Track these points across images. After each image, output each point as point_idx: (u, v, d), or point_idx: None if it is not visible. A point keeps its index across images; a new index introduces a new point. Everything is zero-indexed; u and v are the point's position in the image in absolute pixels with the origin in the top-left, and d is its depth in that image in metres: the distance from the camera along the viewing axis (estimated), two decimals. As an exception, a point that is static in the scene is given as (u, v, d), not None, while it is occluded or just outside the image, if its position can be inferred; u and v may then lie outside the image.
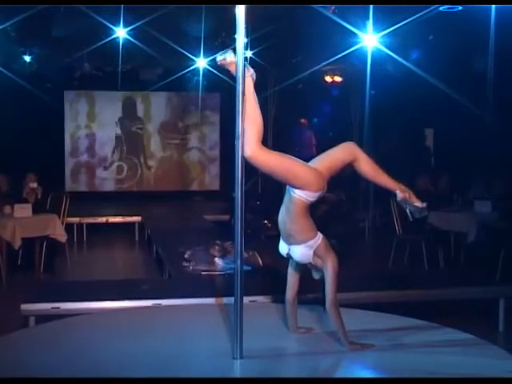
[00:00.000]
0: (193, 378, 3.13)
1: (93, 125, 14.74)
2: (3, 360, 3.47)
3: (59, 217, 8.65)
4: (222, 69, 3.53)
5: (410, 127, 12.82)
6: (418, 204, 3.61)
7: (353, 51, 9.09)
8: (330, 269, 3.53)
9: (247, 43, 3.40)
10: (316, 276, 3.66)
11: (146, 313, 4.64)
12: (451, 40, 9.28)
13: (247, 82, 3.41)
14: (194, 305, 4.94)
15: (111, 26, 9.05)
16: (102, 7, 8.24)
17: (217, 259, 6.68)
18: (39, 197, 8.87)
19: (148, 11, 8.45)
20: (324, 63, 10.68)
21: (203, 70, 11.53)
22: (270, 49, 9.91)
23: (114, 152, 14.92)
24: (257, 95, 3.46)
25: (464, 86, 9.50)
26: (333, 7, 7.85)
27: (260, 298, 5.15)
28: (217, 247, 7.03)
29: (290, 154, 3.55)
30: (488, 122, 9.81)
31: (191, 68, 11.52)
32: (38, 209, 8.47)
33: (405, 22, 7.64)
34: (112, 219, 11.41)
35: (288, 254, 3.65)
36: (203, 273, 6.47)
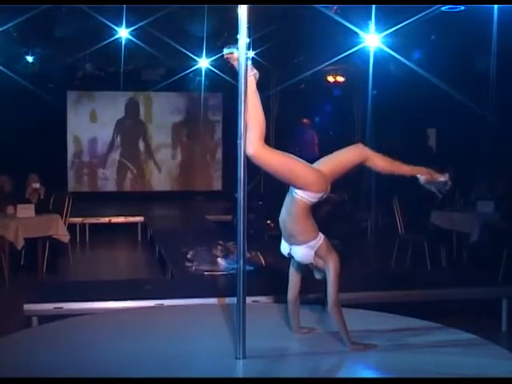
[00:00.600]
0: (195, 378, 3.13)
1: (95, 125, 14.75)
2: (6, 360, 3.48)
3: (62, 217, 8.66)
4: (225, 68, 3.54)
5: (412, 127, 12.81)
6: (442, 178, 3.65)
7: (355, 51, 9.09)
8: (331, 269, 3.52)
9: (249, 43, 3.39)
10: (318, 276, 3.66)
11: (148, 313, 4.65)
12: (453, 40, 9.27)
13: (250, 81, 3.41)
14: (196, 305, 4.94)
15: (113, 27, 9.05)
16: (104, 7, 8.23)
17: (219, 259, 6.68)
18: (42, 197, 8.88)
19: (150, 11, 8.45)
20: (326, 63, 10.68)
21: (205, 70, 11.55)
22: (273, 49, 9.90)
23: (116, 152, 14.94)
24: (259, 95, 3.46)
25: (466, 86, 9.49)
26: (335, 7, 7.84)
27: (262, 298, 5.14)
28: (219, 247, 7.03)
29: (292, 154, 3.55)
30: (490, 122, 9.80)
31: (194, 68, 11.52)
32: (40, 209, 8.48)
33: (407, 21, 7.63)
34: (114, 219, 11.41)
35: (289, 254, 3.65)
36: (206, 273, 6.47)
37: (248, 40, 3.33)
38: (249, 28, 3.31)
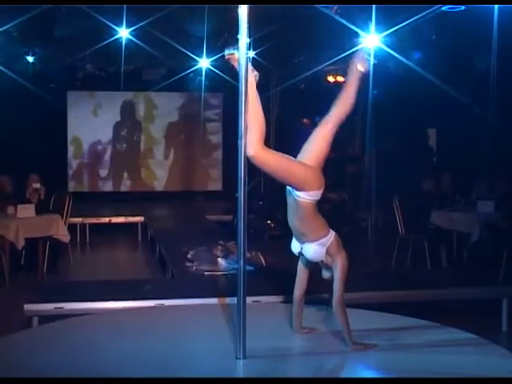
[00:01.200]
0: (196, 378, 3.13)
1: (95, 125, 14.73)
2: (7, 360, 3.48)
3: (62, 217, 8.66)
4: (225, 68, 3.54)
5: (412, 127, 12.81)
6: None
7: (355, 51, 9.07)
8: (339, 267, 3.52)
9: (250, 43, 3.40)
10: (326, 275, 3.64)
11: (148, 313, 4.65)
12: (454, 40, 9.28)
13: (250, 81, 3.41)
14: (196, 305, 4.95)
15: (114, 27, 9.05)
16: (105, 7, 8.23)
17: (220, 259, 6.69)
18: (42, 197, 8.89)
19: (150, 11, 8.45)
20: (326, 63, 10.67)
21: (206, 70, 11.55)
22: (273, 49, 9.89)
23: (116, 152, 14.94)
24: (259, 96, 3.46)
25: (466, 86, 9.49)
26: (335, 7, 7.85)
27: (263, 298, 5.14)
28: (220, 247, 7.04)
29: (292, 154, 3.54)
30: (490, 122, 9.80)
31: (194, 68, 11.52)
32: (41, 209, 8.48)
33: (407, 21, 7.63)
34: (115, 219, 11.42)
35: (300, 253, 3.64)
36: (206, 273, 6.48)
37: (248, 40, 3.33)
38: (249, 28, 3.31)
